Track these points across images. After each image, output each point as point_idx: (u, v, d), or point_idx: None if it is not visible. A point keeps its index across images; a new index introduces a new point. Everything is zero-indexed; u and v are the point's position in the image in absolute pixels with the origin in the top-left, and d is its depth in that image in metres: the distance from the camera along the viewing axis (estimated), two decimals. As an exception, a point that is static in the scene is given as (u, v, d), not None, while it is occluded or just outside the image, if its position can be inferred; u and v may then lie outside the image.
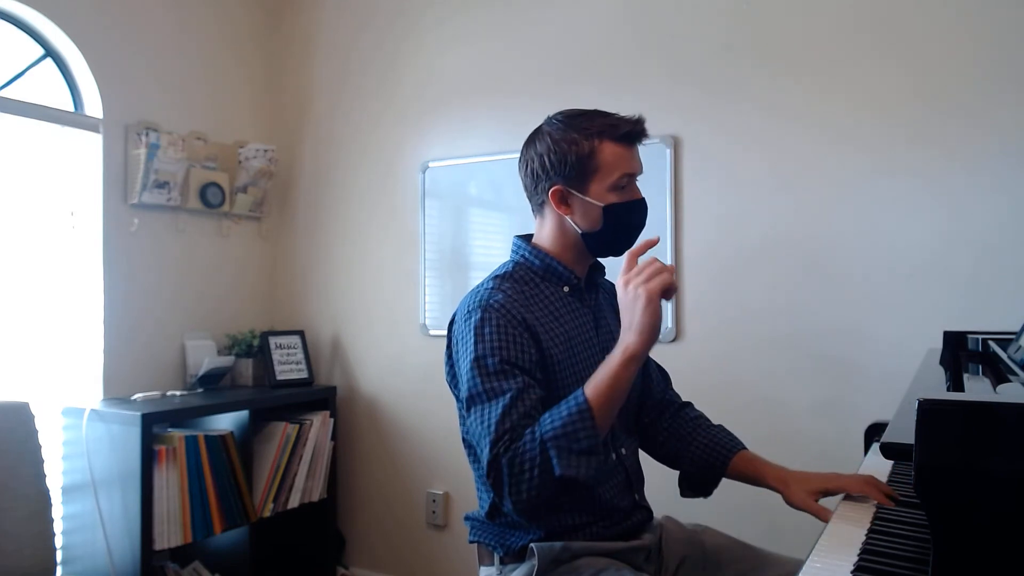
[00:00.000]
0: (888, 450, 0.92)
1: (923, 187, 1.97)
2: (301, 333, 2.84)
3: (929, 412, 0.64)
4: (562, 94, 2.43)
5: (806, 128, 2.10)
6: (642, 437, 1.50)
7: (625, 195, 1.30)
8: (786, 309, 2.13)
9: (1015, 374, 1.05)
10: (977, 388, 1.11)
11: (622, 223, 1.31)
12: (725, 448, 1.41)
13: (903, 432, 0.85)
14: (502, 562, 1.33)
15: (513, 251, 1.40)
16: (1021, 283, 1.85)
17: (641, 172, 1.32)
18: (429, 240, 2.67)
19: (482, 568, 1.37)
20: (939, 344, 1.61)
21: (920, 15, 1.97)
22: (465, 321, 1.26)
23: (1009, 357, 1.18)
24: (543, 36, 2.48)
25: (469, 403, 1.21)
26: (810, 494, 1.26)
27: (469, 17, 2.62)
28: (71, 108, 2.43)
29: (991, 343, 1.39)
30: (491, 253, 2.57)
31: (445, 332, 2.65)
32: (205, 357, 2.61)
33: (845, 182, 2.05)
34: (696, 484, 1.44)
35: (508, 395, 1.17)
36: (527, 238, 1.40)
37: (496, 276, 1.34)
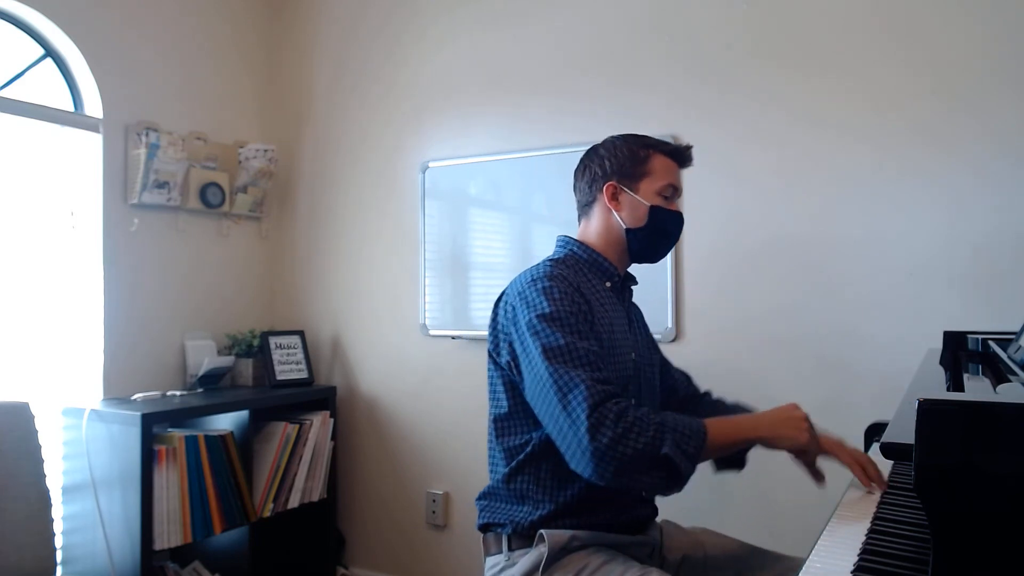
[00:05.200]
0: (888, 450, 0.92)
1: (924, 187, 1.97)
2: (301, 333, 2.84)
3: (929, 412, 0.64)
4: (562, 94, 2.43)
5: (806, 128, 2.10)
6: None
7: (668, 204, 1.44)
8: (786, 309, 2.12)
9: (1015, 374, 1.05)
10: (977, 388, 1.11)
11: (662, 227, 1.43)
12: None
13: (903, 432, 0.85)
14: (510, 547, 1.34)
15: (560, 246, 1.49)
16: (1021, 283, 1.85)
17: (681, 193, 1.47)
18: (429, 240, 2.67)
19: (488, 558, 1.38)
20: (939, 344, 1.61)
21: (922, 13, 1.97)
22: (530, 286, 1.31)
23: (1009, 357, 1.18)
24: (544, 36, 2.48)
25: (551, 353, 1.22)
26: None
27: (469, 17, 2.62)
28: (71, 108, 2.43)
29: (991, 343, 1.39)
30: (491, 253, 2.57)
31: (445, 332, 2.67)
32: (205, 357, 2.61)
33: (845, 182, 2.05)
34: (724, 459, 1.49)
35: (592, 352, 1.24)
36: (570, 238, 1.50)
37: (551, 260, 1.42)
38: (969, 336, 1.55)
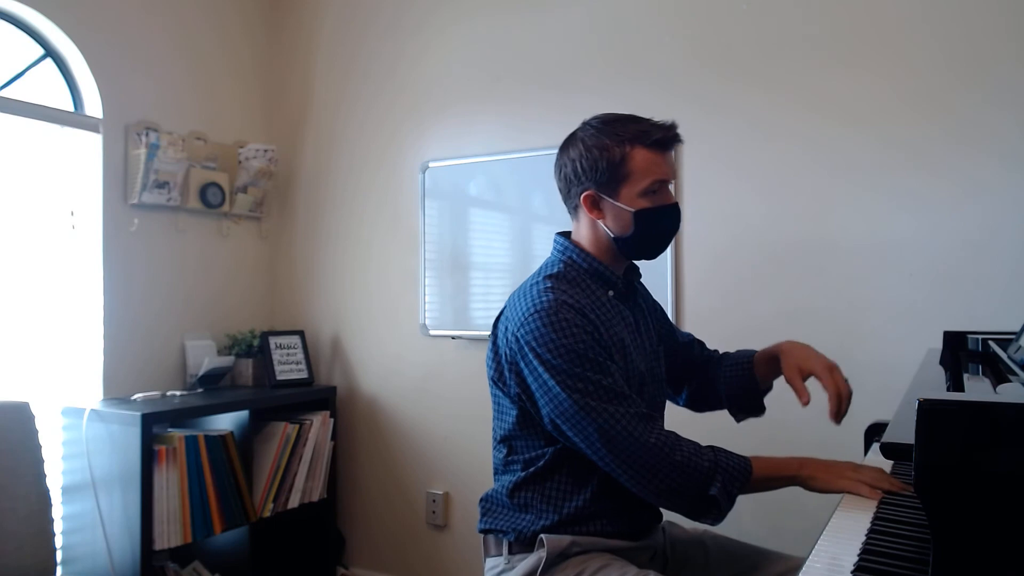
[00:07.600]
0: (888, 450, 0.92)
1: (924, 187, 1.96)
2: (301, 333, 2.84)
3: (929, 412, 0.64)
4: (563, 92, 2.43)
5: (807, 129, 2.10)
6: (701, 401, 1.60)
7: (657, 200, 1.31)
8: (785, 308, 2.12)
9: (1015, 374, 1.05)
10: (977, 388, 1.11)
11: (653, 228, 1.32)
12: (745, 359, 1.52)
13: (903, 432, 0.85)
14: (511, 551, 1.33)
15: (559, 250, 1.39)
16: (1021, 283, 1.85)
17: (674, 178, 1.36)
18: (429, 240, 2.67)
19: (488, 559, 1.37)
20: (939, 344, 1.61)
21: (922, 12, 1.97)
22: (536, 318, 1.25)
23: (1009, 357, 1.18)
24: (544, 34, 2.48)
25: (578, 393, 1.21)
26: (799, 372, 1.39)
27: (469, 16, 2.62)
28: (71, 108, 2.43)
29: (991, 343, 1.38)
30: (491, 253, 2.57)
31: (445, 332, 2.66)
32: (205, 357, 2.61)
33: (845, 182, 2.05)
34: (743, 403, 1.52)
35: (617, 384, 1.23)
36: (567, 235, 1.41)
37: (549, 276, 1.33)
38: (969, 336, 1.55)
